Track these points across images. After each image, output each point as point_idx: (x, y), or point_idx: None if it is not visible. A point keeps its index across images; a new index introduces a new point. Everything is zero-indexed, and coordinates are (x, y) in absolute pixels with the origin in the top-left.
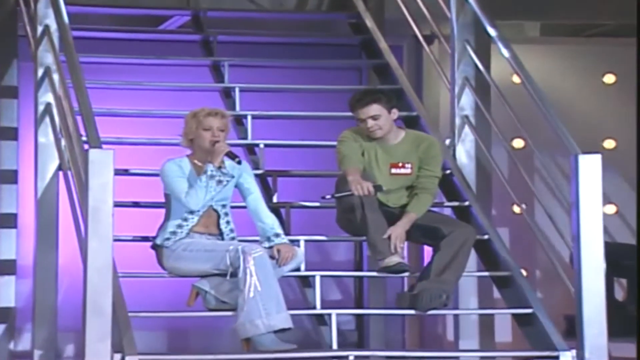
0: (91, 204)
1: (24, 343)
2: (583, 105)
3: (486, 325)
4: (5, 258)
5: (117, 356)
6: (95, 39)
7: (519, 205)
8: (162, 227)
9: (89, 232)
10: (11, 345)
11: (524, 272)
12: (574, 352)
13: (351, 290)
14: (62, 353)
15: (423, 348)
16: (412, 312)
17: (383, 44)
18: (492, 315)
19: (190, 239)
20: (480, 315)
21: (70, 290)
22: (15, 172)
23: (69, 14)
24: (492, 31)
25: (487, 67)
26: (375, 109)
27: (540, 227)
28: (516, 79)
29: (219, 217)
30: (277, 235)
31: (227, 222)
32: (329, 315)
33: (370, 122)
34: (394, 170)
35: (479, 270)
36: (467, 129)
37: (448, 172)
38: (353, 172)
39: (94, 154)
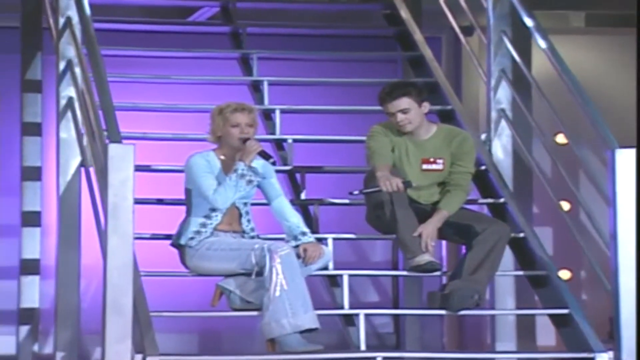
0: (111, 200)
1: (48, 345)
2: (630, 98)
3: (526, 327)
4: (29, 257)
5: (139, 357)
6: (122, 31)
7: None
8: (183, 224)
9: (108, 229)
10: (35, 348)
11: (568, 273)
12: (610, 353)
13: (388, 291)
14: (89, 356)
15: (461, 350)
16: (442, 312)
17: (418, 36)
18: (532, 316)
19: (215, 238)
20: (519, 316)
21: (96, 291)
22: (39, 169)
23: (95, 5)
24: (529, 21)
25: (528, 59)
26: (405, 102)
27: (585, 226)
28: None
29: (240, 215)
30: (303, 233)
31: (248, 221)
32: (357, 315)
33: (400, 116)
34: (425, 166)
35: (515, 270)
36: (503, 123)
37: (483, 168)
38: (382, 167)
39: (113, 148)
